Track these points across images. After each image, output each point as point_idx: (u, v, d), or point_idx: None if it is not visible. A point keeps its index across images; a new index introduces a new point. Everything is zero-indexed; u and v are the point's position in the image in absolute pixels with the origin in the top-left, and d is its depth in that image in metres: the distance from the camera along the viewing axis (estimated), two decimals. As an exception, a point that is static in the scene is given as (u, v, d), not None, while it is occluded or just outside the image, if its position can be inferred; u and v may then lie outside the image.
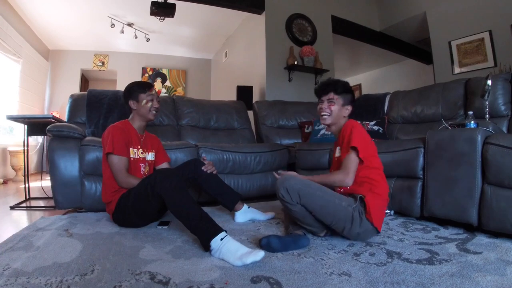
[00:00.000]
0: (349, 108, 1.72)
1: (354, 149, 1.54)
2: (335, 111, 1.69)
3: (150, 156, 2.11)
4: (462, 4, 4.59)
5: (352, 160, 1.54)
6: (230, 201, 2.06)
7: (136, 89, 2.03)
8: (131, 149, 1.96)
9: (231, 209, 2.08)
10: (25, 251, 1.43)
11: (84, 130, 2.71)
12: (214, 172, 2.07)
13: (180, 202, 1.52)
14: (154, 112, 2.05)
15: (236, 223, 2.04)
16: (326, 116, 1.71)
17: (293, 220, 1.68)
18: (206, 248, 1.41)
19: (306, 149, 2.91)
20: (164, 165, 2.20)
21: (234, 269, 1.25)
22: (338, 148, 1.70)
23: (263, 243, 1.45)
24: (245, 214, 2.09)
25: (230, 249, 1.33)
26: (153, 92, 2.06)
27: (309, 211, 1.53)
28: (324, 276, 1.18)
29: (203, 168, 2.03)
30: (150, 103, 2.02)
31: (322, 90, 1.75)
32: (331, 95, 1.70)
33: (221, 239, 1.37)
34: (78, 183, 2.28)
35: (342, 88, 1.71)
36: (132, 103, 2.03)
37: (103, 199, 1.97)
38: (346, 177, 1.53)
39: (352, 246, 1.55)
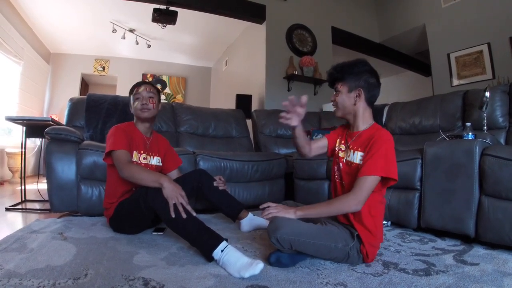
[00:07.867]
0: (359, 93, 1.47)
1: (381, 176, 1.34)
2: (340, 102, 1.51)
3: (154, 161, 2.04)
4: (461, 16, 4.65)
5: (371, 185, 1.34)
6: (234, 211, 2.02)
7: (129, 93, 2.03)
8: (134, 152, 1.91)
9: (235, 219, 2.04)
10: (19, 252, 1.41)
11: (82, 134, 2.70)
12: (224, 188, 2.04)
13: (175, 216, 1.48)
14: (141, 109, 1.94)
15: (235, 231, 2.00)
16: (335, 108, 1.58)
17: None
18: (209, 259, 1.39)
19: (303, 159, 2.90)
20: (174, 173, 2.13)
21: (229, 277, 1.23)
22: (359, 154, 1.44)
23: (272, 260, 1.37)
24: (250, 221, 2.02)
25: (229, 260, 1.30)
26: (140, 90, 1.97)
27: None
28: (320, 286, 1.17)
29: (215, 183, 2.01)
30: (137, 102, 1.96)
31: (329, 83, 1.60)
32: (337, 84, 1.53)
33: (222, 251, 1.35)
34: (74, 186, 2.27)
35: (345, 73, 1.49)
36: (130, 107, 2.03)
37: (103, 204, 1.95)
38: (358, 203, 1.33)
39: (348, 255, 1.53)
